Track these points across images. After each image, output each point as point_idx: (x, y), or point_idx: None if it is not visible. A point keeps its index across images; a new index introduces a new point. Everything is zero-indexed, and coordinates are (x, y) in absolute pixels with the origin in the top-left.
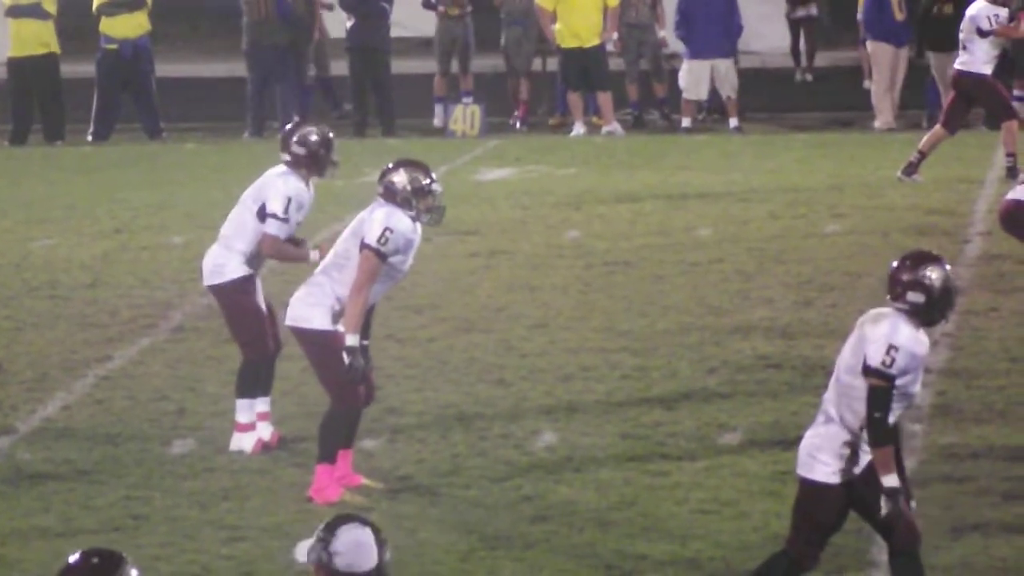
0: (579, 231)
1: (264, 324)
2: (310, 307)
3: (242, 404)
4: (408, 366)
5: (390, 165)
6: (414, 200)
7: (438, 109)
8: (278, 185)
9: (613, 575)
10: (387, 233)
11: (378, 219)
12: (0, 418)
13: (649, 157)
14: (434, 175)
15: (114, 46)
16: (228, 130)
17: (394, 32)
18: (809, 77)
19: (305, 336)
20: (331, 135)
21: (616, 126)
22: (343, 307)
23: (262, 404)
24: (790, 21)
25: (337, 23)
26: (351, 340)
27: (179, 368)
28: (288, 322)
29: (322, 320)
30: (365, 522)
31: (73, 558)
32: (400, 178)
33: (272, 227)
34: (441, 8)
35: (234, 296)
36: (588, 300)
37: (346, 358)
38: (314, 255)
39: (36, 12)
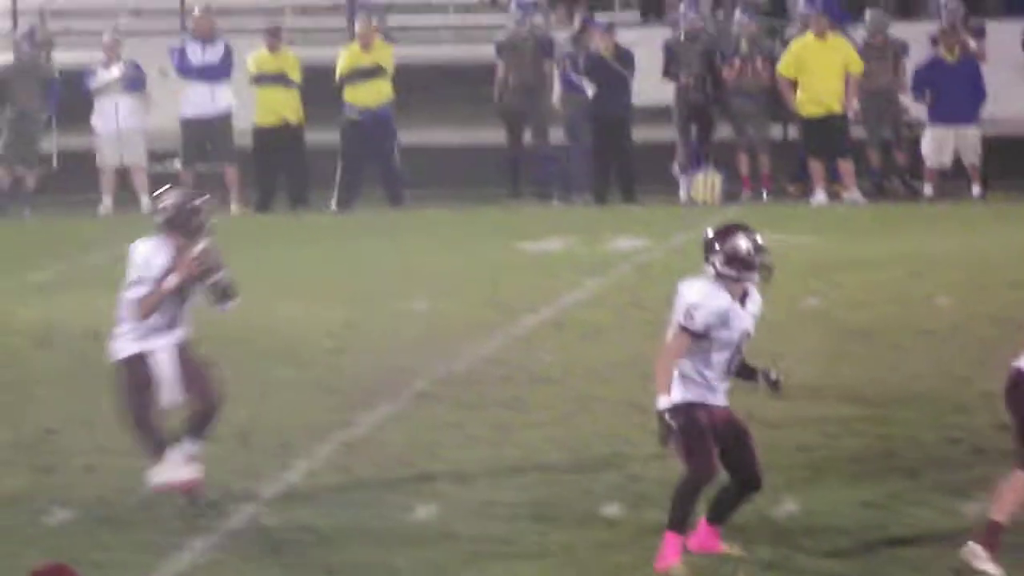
0: (818, 299)
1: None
2: None
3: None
4: (649, 434)
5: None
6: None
7: (678, 178)
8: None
9: None
10: (691, 310)
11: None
12: (244, 484)
13: (890, 225)
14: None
15: (357, 115)
16: (470, 197)
17: (634, 100)
18: None
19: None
20: (190, 201)
21: (857, 194)
22: (706, 381)
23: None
24: None
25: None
26: (662, 403)
27: (420, 434)
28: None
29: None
30: None
31: None
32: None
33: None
34: (682, 79)
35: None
36: (828, 368)
37: (664, 421)
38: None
39: (282, 81)
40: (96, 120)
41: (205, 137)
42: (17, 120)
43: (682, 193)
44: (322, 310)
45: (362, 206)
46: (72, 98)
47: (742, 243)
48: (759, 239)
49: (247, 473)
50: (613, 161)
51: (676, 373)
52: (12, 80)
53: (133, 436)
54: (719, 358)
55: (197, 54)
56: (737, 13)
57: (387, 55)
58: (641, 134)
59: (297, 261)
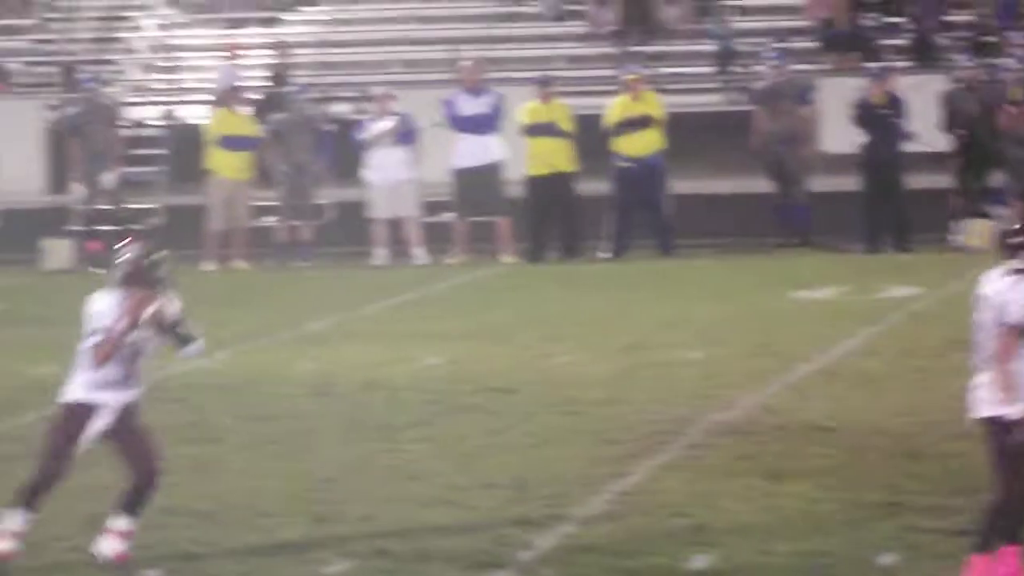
0: None
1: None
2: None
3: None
4: (925, 482)
5: None
6: None
7: (954, 225)
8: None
9: None
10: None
11: None
12: (520, 533)
13: None
14: None
15: (627, 164)
16: (741, 245)
17: (908, 147)
18: None
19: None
20: (148, 255)
21: None
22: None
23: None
24: None
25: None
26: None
27: (696, 484)
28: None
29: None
30: None
31: None
32: None
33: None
34: (959, 128)
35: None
36: None
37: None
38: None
39: (553, 131)
40: (368, 172)
41: (477, 188)
42: (293, 173)
43: (956, 240)
44: (595, 360)
45: (633, 255)
46: (345, 150)
47: None
48: None
49: (522, 522)
50: (886, 208)
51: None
52: (287, 134)
53: (37, 473)
54: None
55: (468, 105)
56: (1009, 60)
57: (657, 104)
58: (914, 180)
59: (569, 311)
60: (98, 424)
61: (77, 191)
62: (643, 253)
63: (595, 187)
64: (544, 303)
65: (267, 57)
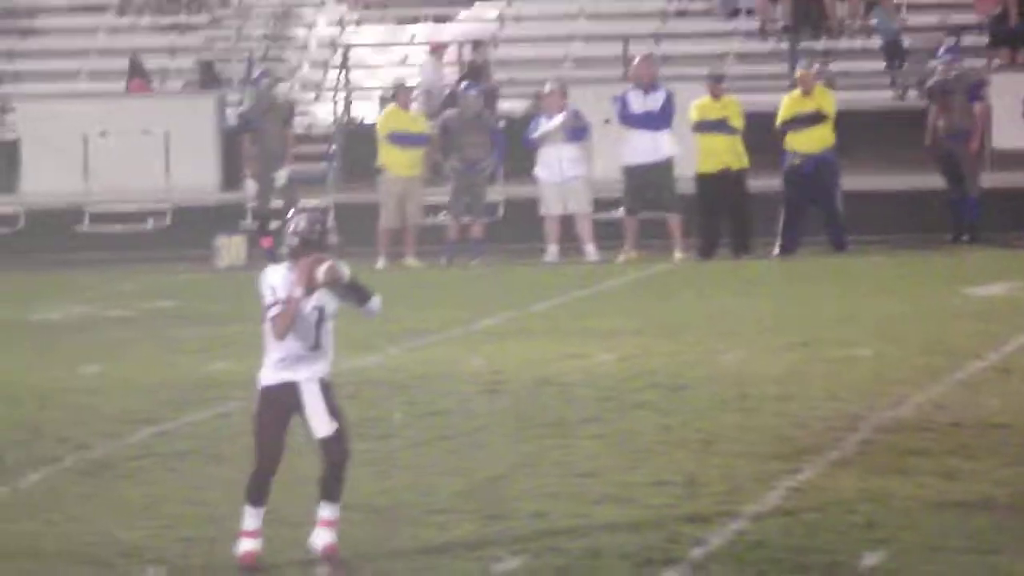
0: None
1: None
2: None
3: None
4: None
5: None
6: None
7: None
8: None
9: None
10: None
11: None
12: (693, 530)
13: None
14: None
15: (798, 160)
16: (913, 241)
17: None
18: None
19: None
20: (318, 221)
21: None
22: None
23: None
24: None
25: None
26: None
27: (868, 480)
28: None
29: None
30: None
31: None
32: None
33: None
34: None
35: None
36: None
37: None
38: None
39: (724, 127)
40: (540, 169)
41: (648, 184)
42: (464, 170)
43: None
44: (767, 356)
45: (805, 252)
46: (517, 148)
47: None
48: None
49: (695, 519)
50: None
51: None
52: (459, 130)
53: (253, 468)
54: None
55: (639, 101)
56: None
57: (829, 101)
58: None
59: (740, 308)
60: (307, 401)
61: (250, 188)
62: (815, 250)
63: (766, 184)
64: (715, 300)
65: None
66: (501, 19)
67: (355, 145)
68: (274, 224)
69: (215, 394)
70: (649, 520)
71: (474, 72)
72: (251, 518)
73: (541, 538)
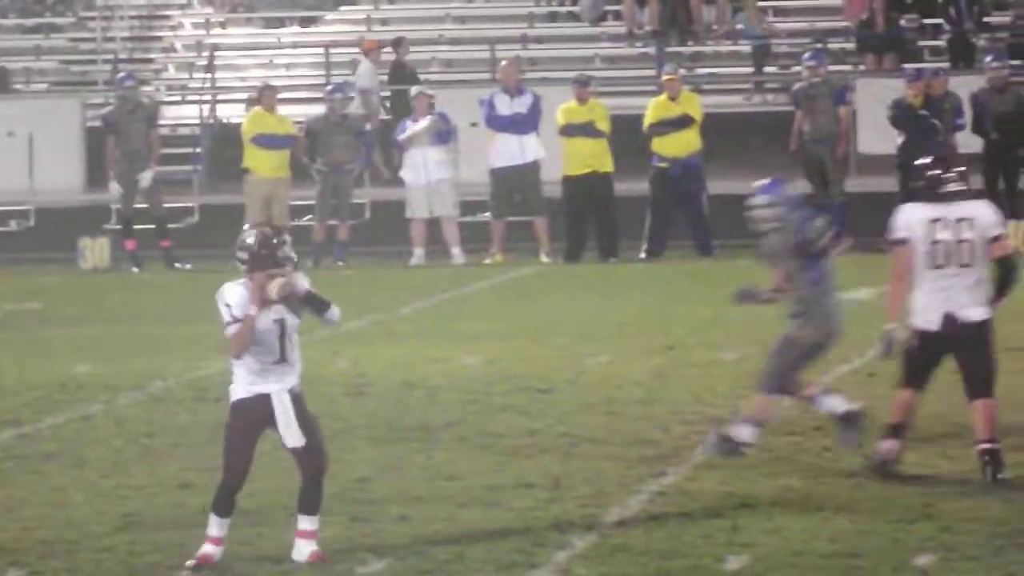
0: None
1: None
2: None
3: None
4: (957, 482)
5: None
6: None
7: None
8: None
9: None
10: None
11: None
12: (557, 534)
13: None
14: None
15: (665, 164)
16: None
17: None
18: None
19: None
20: (270, 238)
21: None
22: None
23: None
24: None
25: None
26: None
27: (733, 485)
28: None
29: None
30: None
31: None
32: None
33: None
34: (990, 130)
35: None
36: None
37: None
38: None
39: (590, 131)
40: (406, 172)
41: (514, 187)
42: (329, 173)
43: None
44: (633, 360)
45: (671, 256)
46: (384, 150)
47: None
48: None
49: (560, 522)
50: None
51: None
52: (324, 133)
53: (221, 480)
54: None
55: (506, 105)
56: None
57: (695, 105)
58: None
59: (606, 311)
60: (278, 412)
61: (114, 190)
62: (681, 253)
63: (633, 187)
64: (581, 303)
65: (308, 56)
66: (368, 22)
67: (221, 147)
68: (138, 226)
69: (78, 396)
70: (514, 523)
71: (397, 71)
72: (215, 527)
73: (406, 541)
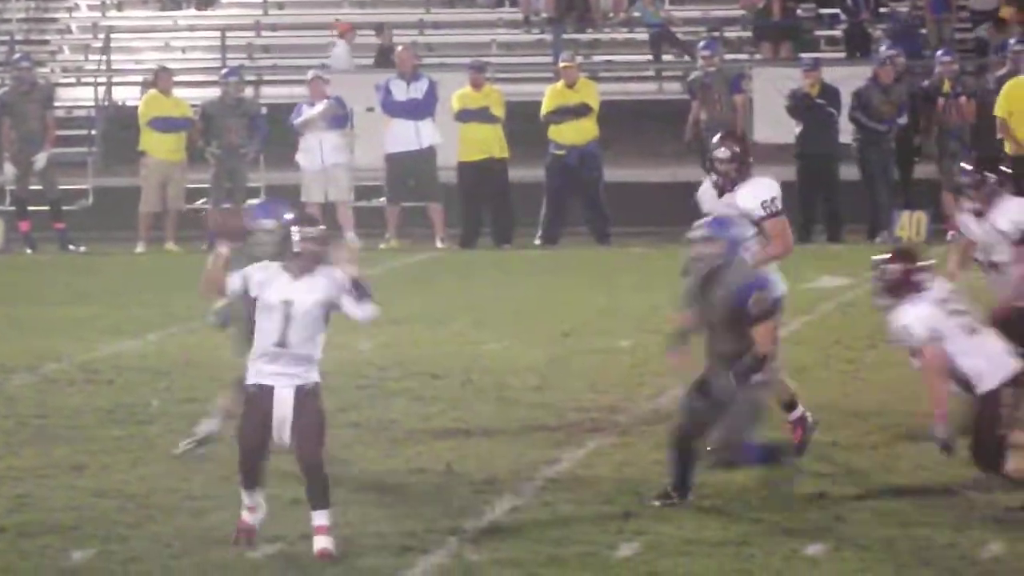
0: None
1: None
2: None
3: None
4: (850, 472)
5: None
6: None
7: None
8: None
9: None
10: None
11: None
12: (449, 520)
13: None
14: None
15: (562, 152)
16: (675, 234)
17: (842, 138)
18: None
19: None
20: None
21: None
22: None
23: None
24: None
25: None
26: None
27: (625, 471)
28: None
29: None
30: None
31: None
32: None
33: None
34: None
35: None
36: None
37: None
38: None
39: (486, 117)
40: (301, 156)
41: (409, 173)
42: (224, 156)
43: (887, 231)
44: (527, 346)
45: (566, 243)
46: (279, 133)
47: None
48: None
49: (451, 508)
50: (819, 199)
51: None
52: (219, 116)
53: (239, 458)
54: None
55: (402, 90)
56: (939, 52)
57: (592, 93)
58: (847, 172)
59: (501, 297)
60: (276, 408)
61: (9, 172)
62: (576, 240)
63: (528, 173)
64: (476, 289)
65: (204, 39)
66: (265, 5)
67: (116, 129)
68: (33, 208)
69: None
70: (406, 509)
71: (383, 56)
72: (246, 497)
73: (295, 526)
